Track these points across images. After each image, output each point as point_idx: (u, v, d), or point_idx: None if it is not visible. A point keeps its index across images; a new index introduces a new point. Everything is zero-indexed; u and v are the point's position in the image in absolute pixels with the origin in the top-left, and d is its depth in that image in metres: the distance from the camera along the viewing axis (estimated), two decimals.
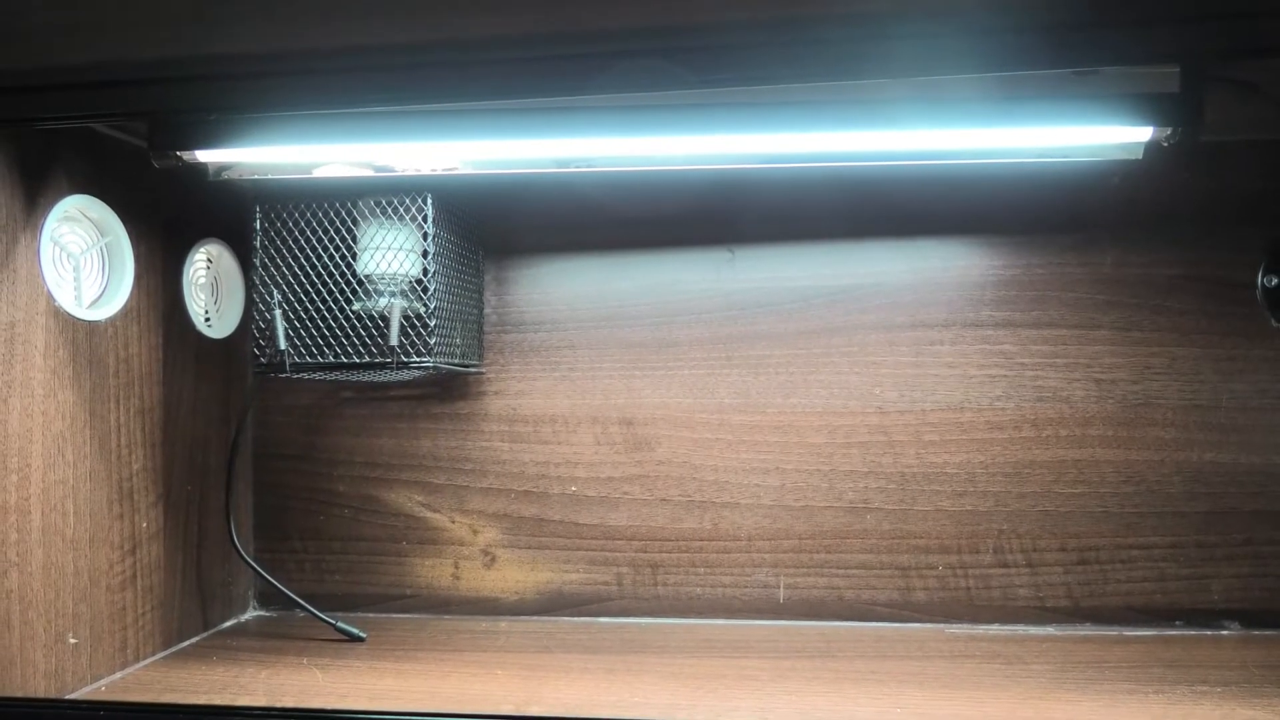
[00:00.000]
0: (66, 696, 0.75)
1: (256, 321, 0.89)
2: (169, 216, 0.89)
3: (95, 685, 0.78)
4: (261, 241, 0.89)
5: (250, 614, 1.01)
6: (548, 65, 0.57)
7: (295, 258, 0.89)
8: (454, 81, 0.58)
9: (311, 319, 0.88)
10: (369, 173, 0.80)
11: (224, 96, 0.60)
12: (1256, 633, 0.89)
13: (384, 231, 0.87)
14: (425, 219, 0.87)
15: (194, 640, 0.92)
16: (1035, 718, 0.68)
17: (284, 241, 0.89)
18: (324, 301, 0.88)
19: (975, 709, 0.70)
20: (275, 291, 0.88)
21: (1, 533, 0.70)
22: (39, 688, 0.72)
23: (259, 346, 0.88)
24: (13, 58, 0.62)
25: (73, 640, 0.76)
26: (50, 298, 0.75)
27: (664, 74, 0.58)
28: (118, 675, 0.81)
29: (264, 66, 0.59)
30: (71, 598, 0.76)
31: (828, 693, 0.74)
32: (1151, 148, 0.72)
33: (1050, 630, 0.91)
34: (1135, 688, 0.74)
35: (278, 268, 0.89)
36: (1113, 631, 0.90)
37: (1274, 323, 0.90)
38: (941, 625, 0.93)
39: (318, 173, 0.80)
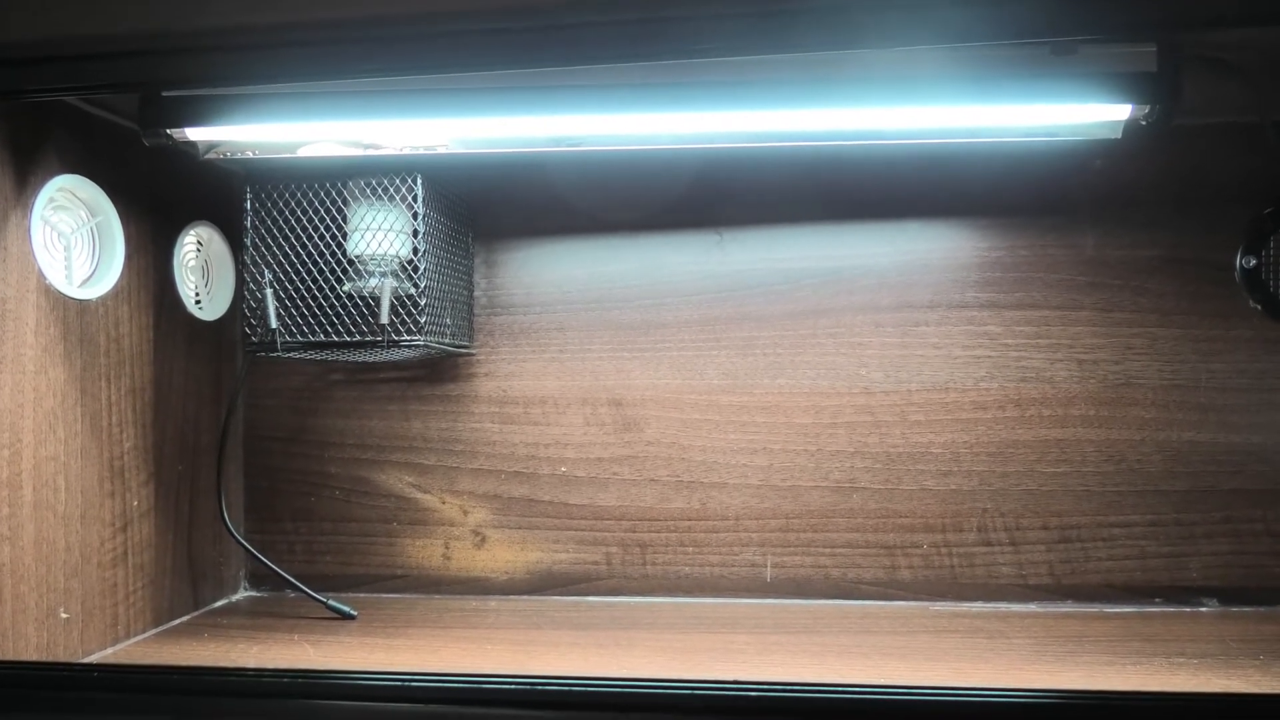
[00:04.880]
0: None
1: (248, 301, 0.89)
2: (159, 198, 0.90)
3: (86, 660, 0.79)
4: (252, 222, 0.89)
5: (241, 594, 1.02)
6: (539, 36, 0.58)
7: (286, 239, 0.89)
8: (445, 53, 0.59)
9: (303, 299, 0.89)
10: (359, 152, 0.81)
11: (214, 69, 0.61)
12: (1234, 609, 0.91)
13: (374, 212, 0.87)
14: (415, 199, 0.87)
15: (185, 619, 0.93)
16: (1016, 685, 0.69)
17: (275, 223, 0.89)
18: (314, 282, 0.89)
19: (957, 677, 0.71)
20: (266, 271, 0.89)
21: None
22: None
23: (250, 325, 0.89)
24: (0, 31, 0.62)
25: (64, 615, 0.77)
26: (41, 276, 0.76)
27: (647, 46, 0.59)
28: (109, 651, 0.82)
29: (254, 39, 0.60)
30: (63, 573, 0.77)
31: (813, 664, 0.76)
32: (1130, 127, 0.74)
33: (1032, 607, 0.93)
34: (1113, 659, 0.76)
35: (269, 248, 0.89)
36: (1093, 608, 0.92)
37: (1252, 303, 0.91)
38: (926, 603, 0.94)
39: (308, 151, 0.80)
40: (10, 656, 0.70)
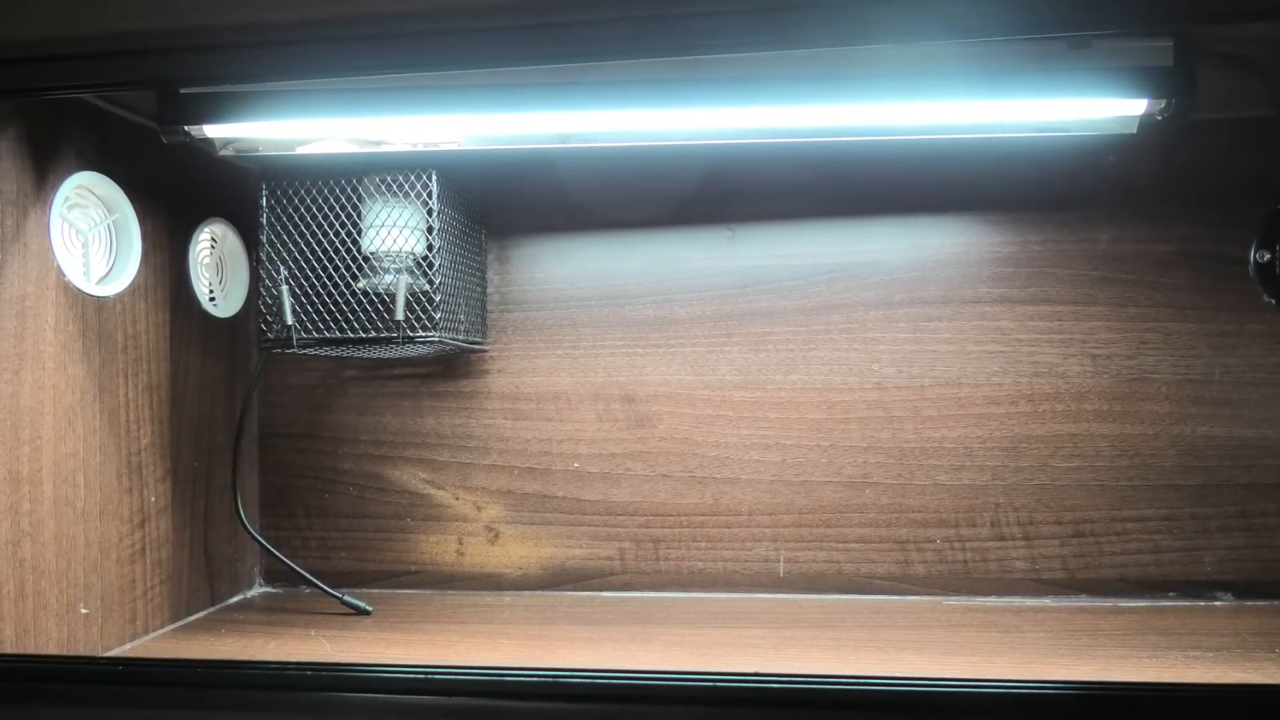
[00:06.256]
0: None
1: (263, 297, 0.90)
2: (175, 195, 0.90)
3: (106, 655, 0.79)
4: (268, 219, 0.90)
5: (257, 590, 1.03)
6: (552, 33, 0.58)
7: (301, 235, 0.90)
8: (459, 49, 0.59)
9: (318, 295, 0.89)
10: (373, 149, 0.81)
11: (232, 66, 0.61)
12: (1249, 603, 0.91)
13: (388, 209, 0.88)
14: (429, 196, 0.88)
15: (201, 614, 0.93)
16: (1032, 679, 0.69)
17: (290, 219, 0.90)
18: (329, 279, 0.89)
19: (973, 671, 0.71)
20: (282, 267, 0.89)
21: (14, 503, 0.71)
22: None
23: (266, 322, 0.89)
24: (19, 28, 0.63)
25: (84, 610, 0.77)
26: (60, 273, 0.76)
27: (659, 41, 0.59)
28: (127, 646, 0.82)
29: (271, 36, 0.60)
30: (82, 569, 0.78)
31: (828, 658, 0.76)
32: (1145, 121, 0.74)
33: (1046, 601, 0.93)
34: (1129, 653, 0.76)
35: (284, 245, 0.90)
36: (1107, 602, 0.92)
37: (1266, 298, 0.91)
38: (939, 597, 0.95)
39: (323, 148, 0.81)
40: (31, 651, 0.71)
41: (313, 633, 0.85)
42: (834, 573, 0.96)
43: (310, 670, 0.58)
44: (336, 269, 0.89)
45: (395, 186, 0.88)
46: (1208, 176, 0.92)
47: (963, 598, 0.94)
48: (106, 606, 0.80)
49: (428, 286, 0.88)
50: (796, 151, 0.94)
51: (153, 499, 0.87)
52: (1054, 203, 0.94)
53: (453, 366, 1.02)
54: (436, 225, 0.88)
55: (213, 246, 0.98)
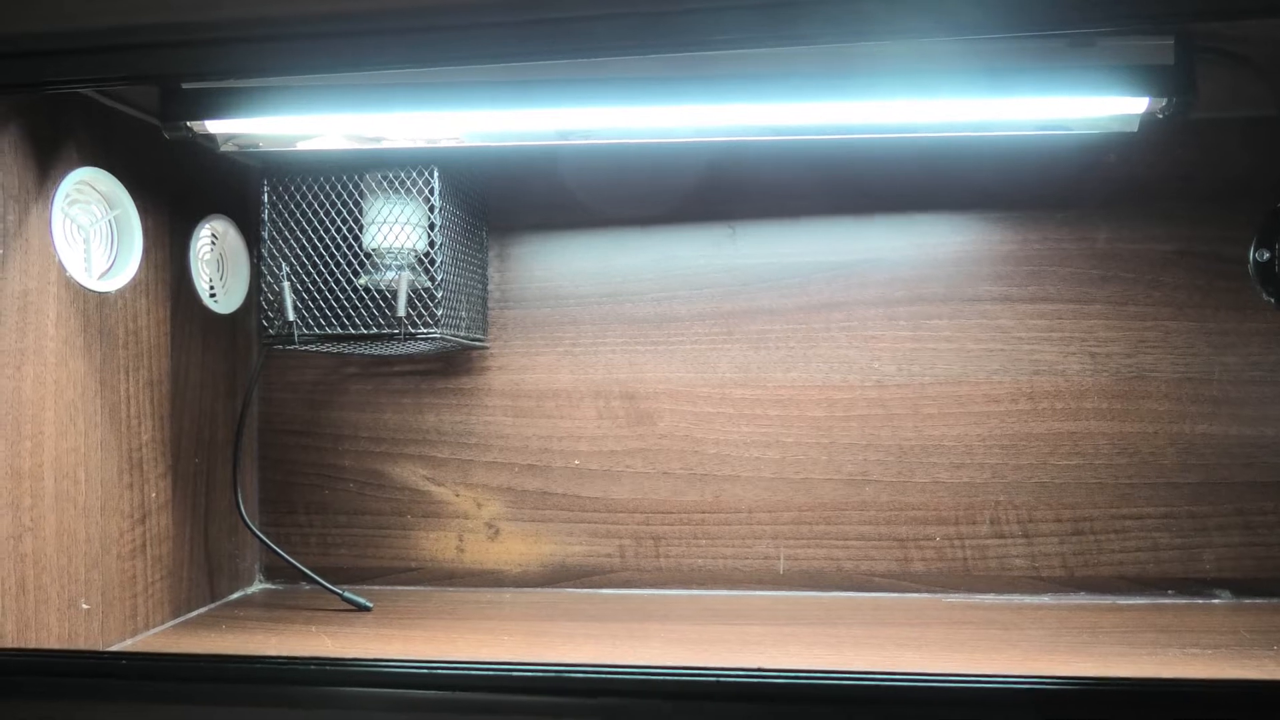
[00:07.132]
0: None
1: (265, 294, 0.90)
2: (176, 191, 0.90)
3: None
4: (269, 215, 0.90)
5: (256, 586, 1.03)
6: (552, 29, 0.58)
7: (303, 232, 0.90)
8: (461, 45, 0.59)
9: (320, 292, 0.89)
10: (375, 145, 0.81)
11: (234, 62, 0.61)
12: (1247, 601, 0.91)
13: (390, 205, 0.88)
14: (431, 193, 0.88)
15: (202, 610, 0.93)
16: (1031, 674, 0.69)
17: (291, 216, 0.90)
18: (331, 275, 0.89)
19: (973, 668, 0.71)
20: (283, 263, 0.89)
21: (15, 497, 0.71)
22: None
23: (267, 318, 0.89)
24: (20, 22, 0.63)
25: (85, 606, 0.77)
26: (61, 268, 0.76)
27: (661, 37, 0.59)
28: (128, 642, 0.82)
29: (274, 31, 0.60)
30: (83, 564, 0.78)
31: (828, 655, 0.76)
32: (1146, 120, 0.74)
33: (1045, 599, 0.93)
34: (1128, 650, 0.76)
35: (285, 241, 0.90)
36: (1106, 600, 0.92)
37: (1265, 297, 0.91)
38: (939, 595, 0.95)
39: (325, 145, 0.81)
40: (33, 646, 0.71)
41: (313, 629, 0.85)
42: (834, 570, 0.97)
43: (312, 665, 0.58)
44: (338, 265, 0.89)
45: (397, 183, 0.88)
46: (1208, 175, 0.92)
47: (962, 595, 0.94)
48: (107, 602, 0.80)
49: (429, 283, 0.88)
50: (797, 149, 0.95)
51: (153, 495, 0.87)
52: (1054, 201, 0.94)
53: (453, 363, 1.02)
54: (438, 222, 0.88)
55: (213, 242, 0.98)
